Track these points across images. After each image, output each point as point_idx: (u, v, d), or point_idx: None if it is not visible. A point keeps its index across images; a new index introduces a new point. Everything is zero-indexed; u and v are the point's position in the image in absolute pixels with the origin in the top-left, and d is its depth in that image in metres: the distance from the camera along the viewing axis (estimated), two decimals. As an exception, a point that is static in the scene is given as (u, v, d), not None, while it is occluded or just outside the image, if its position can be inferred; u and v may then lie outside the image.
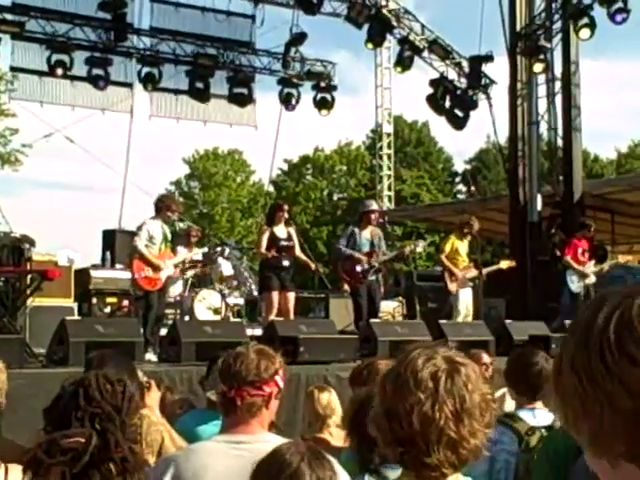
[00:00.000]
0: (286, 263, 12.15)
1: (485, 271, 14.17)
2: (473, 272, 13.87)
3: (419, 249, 14.39)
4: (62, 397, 2.76)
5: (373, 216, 13.14)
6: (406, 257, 14.61)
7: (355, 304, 12.89)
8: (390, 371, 2.27)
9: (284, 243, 12.17)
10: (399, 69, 20.11)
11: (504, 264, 14.57)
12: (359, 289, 12.78)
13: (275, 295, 12.06)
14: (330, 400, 6.00)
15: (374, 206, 13.52)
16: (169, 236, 11.67)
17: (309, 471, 2.73)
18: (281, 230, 12.30)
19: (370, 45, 19.98)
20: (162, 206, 11.50)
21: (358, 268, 12.70)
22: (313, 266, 13.04)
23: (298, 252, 12.50)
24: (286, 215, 12.43)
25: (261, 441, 3.34)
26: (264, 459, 2.81)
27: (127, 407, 2.69)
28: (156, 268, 11.25)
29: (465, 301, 13.79)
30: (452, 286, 13.71)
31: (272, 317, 11.75)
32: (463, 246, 13.93)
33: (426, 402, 2.12)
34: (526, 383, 4.79)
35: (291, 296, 12.31)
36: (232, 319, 13.98)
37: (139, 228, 11.46)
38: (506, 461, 4.40)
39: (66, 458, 2.50)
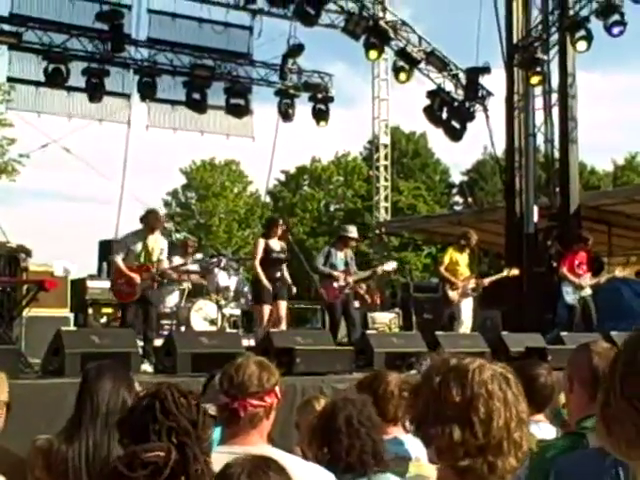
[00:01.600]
0: (278, 275, 12.51)
1: (489, 280, 14.27)
2: (474, 283, 13.96)
3: (389, 268, 14.60)
4: (135, 409, 2.77)
5: (352, 243, 13.78)
6: (378, 277, 15.11)
7: (331, 319, 13.40)
8: (447, 379, 2.25)
9: (276, 255, 12.51)
10: (403, 77, 20.02)
11: (508, 272, 14.61)
12: (335, 305, 13.22)
13: (266, 308, 12.37)
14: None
15: (355, 234, 13.82)
16: (155, 249, 11.69)
17: None
18: (275, 243, 12.62)
19: (374, 55, 19.92)
20: (145, 222, 11.75)
21: (335, 284, 13.15)
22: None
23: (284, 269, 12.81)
24: (280, 230, 12.71)
25: (260, 453, 3.33)
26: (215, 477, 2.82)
27: (202, 421, 2.72)
28: (130, 280, 11.34)
29: (467, 311, 13.90)
30: (453, 295, 13.77)
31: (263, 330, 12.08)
32: (462, 258, 14.03)
33: (502, 411, 2.20)
34: (530, 396, 4.75)
35: (282, 305, 12.63)
36: (228, 330, 13.97)
37: (120, 241, 11.67)
38: (517, 477, 4.35)
39: (147, 472, 2.52)
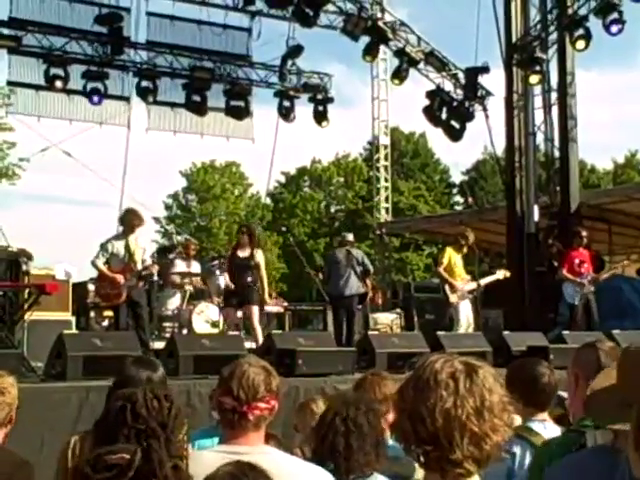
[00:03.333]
0: (244, 281, 12.58)
1: (482, 282, 14.23)
2: (472, 284, 13.93)
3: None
4: (109, 413, 2.78)
5: None
6: None
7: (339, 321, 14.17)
8: (409, 379, 2.32)
9: (240, 262, 12.65)
10: (397, 82, 20.12)
11: (500, 274, 14.59)
12: None
13: (229, 312, 12.88)
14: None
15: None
16: (137, 249, 11.66)
17: None
18: (243, 251, 12.74)
19: (368, 58, 20.02)
20: (125, 222, 11.71)
21: None
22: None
23: (263, 275, 12.93)
24: (245, 237, 12.85)
25: (259, 453, 3.34)
26: None
27: (173, 424, 2.72)
28: (113, 282, 11.30)
29: (465, 313, 13.85)
30: (453, 297, 13.76)
31: (230, 332, 12.65)
32: (460, 258, 13.99)
33: (448, 399, 2.19)
34: (533, 394, 4.72)
35: (253, 309, 12.68)
36: (230, 332, 13.98)
37: (101, 246, 11.60)
38: (526, 476, 4.32)
39: (111, 474, 2.53)
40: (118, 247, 11.47)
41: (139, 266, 11.63)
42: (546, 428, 4.59)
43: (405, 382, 2.33)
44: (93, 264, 11.55)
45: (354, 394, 4.57)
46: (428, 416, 2.18)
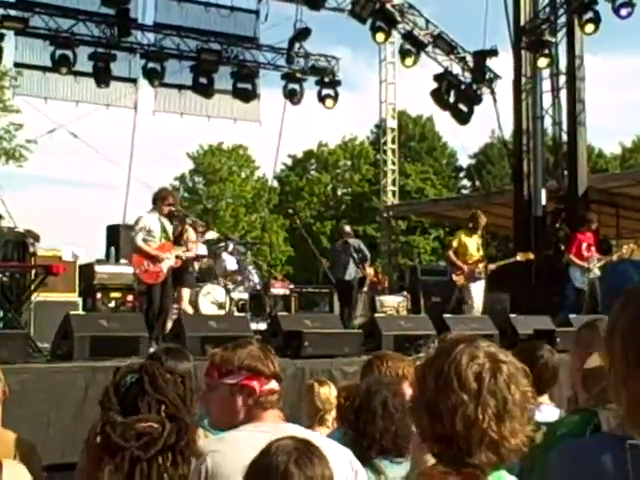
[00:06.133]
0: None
1: (499, 265, 14.25)
2: (482, 267, 13.90)
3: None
4: (120, 385, 2.77)
5: None
6: None
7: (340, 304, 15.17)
8: (430, 365, 2.25)
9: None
10: (411, 61, 19.86)
11: (520, 256, 14.51)
12: None
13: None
14: (330, 394, 5.98)
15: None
16: (169, 228, 11.60)
17: (297, 471, 2.68)
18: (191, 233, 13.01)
19: (381, 38, 19.78)
20: (159, 199, 11.53)
21: None
22: None
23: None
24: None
25: (284, 429, 3.30)
26: (254, 461, 2.77)
27: (190, 396, 2.72)
28: (155, 260, 11.19)
29: (478, 295, 13.83)
30: (457, 278, 13.75)
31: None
32: (471, 241, 13.96)
33: (470, 404, 2.14)
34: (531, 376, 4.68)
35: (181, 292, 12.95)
36: (236, 314, 13.99)
37: (136, 223, 11.48)
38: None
39: (141, 442, 2.53)
40: (153, 224, 11.34)
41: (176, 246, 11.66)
42: (541, 411, 4.53)
43: (426, 366, 2.27)
44: (133, 241, 11.35)
45: (387, 378, 4.51)
46: (447, 416, 2.14)
